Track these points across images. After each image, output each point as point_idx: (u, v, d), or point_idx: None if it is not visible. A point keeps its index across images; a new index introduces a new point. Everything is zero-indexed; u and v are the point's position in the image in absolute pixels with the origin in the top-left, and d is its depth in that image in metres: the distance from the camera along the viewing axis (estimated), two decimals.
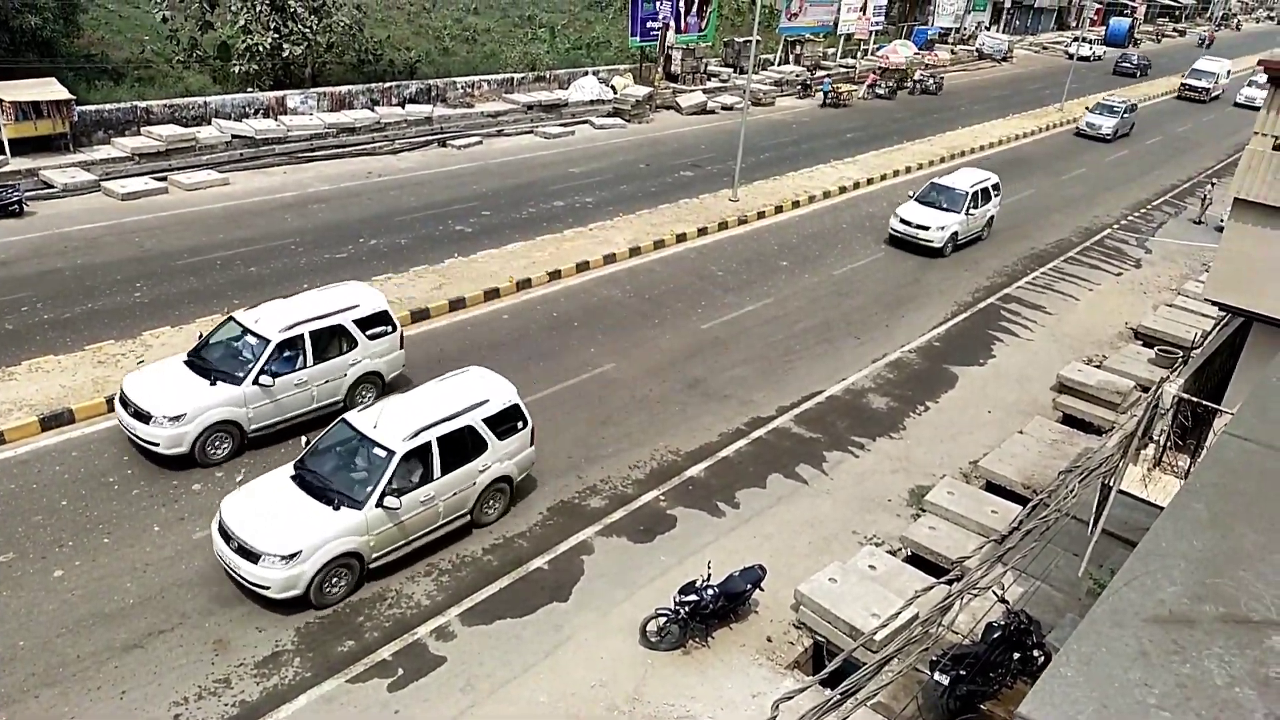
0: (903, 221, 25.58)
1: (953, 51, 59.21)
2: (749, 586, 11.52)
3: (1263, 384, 7.00)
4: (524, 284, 20.59)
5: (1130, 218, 31.16)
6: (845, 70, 48.54)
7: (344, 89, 30.61)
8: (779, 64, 47.39)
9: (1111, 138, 41.34)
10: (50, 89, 23.59)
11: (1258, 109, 45.71)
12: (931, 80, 48.70)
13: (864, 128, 39.11)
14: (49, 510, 12.40)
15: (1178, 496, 5.34)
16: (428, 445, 11.85)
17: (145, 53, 29.95)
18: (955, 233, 25.42)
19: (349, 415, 12.44)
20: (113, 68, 28.47)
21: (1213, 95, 54.18)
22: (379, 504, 11.32)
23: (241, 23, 29.24)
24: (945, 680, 10.03)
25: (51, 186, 22.82)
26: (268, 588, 10.94)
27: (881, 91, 45.86)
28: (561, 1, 47.13)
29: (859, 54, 51.92)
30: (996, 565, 10.00)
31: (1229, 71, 56.52)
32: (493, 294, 19.91)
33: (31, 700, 9.77)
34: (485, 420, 12.56)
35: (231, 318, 14.24)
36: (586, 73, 38.14)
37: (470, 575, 12.21)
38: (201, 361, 13.74)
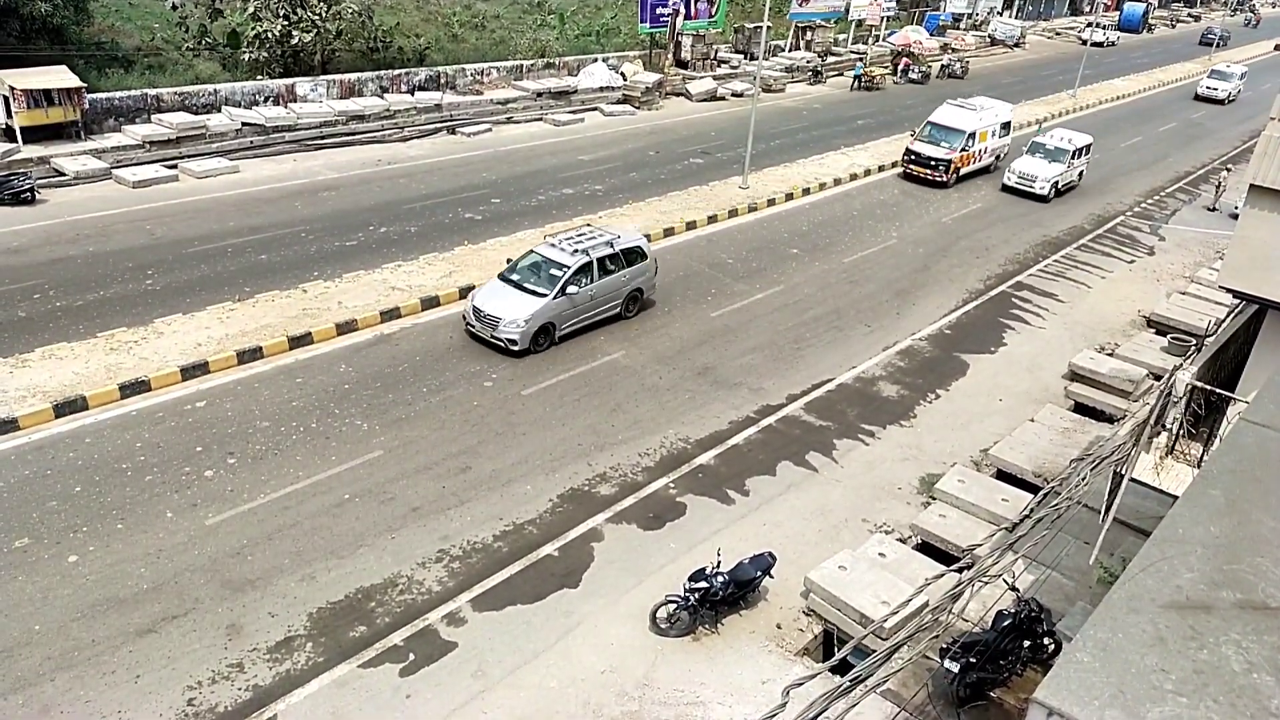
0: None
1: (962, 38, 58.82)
2: (759, 574, 11.54)
3: None
4: None
5: (1144, 205, 30.91)
6: (857, 56, 48.27)
7: (353, 76, 30.59)
8: (790, 50, 47.14)
9: (519, 342, 16.89)
10: (61, 76, 23.63)
11: (1043, 197, 28.62)
12: (958, 64, 49.38)
13: (875, 114, 38.86)
14: (63, 496, 12.49)
15: (1194, 483, 5.30)
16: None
17: (155, 40, 30.01)
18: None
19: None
20: (123, 55, 28.52)
21: (959, 172, 29.98)
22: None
23: (251, 10, 29.25)
24: (955, 667, 10.04)
25: (63, 174, 22.90)
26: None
27: (915, 76, 46.55)
28: None
29: (869, 40, 51.69)
30: (1007, 553, 9.96)
31: (1007, 124, 31.89)
32: None
33: (47, 684, 9.86)
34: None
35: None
36: (596, 59, 38.01)
37: (481, 562, 12.25)
38: None
